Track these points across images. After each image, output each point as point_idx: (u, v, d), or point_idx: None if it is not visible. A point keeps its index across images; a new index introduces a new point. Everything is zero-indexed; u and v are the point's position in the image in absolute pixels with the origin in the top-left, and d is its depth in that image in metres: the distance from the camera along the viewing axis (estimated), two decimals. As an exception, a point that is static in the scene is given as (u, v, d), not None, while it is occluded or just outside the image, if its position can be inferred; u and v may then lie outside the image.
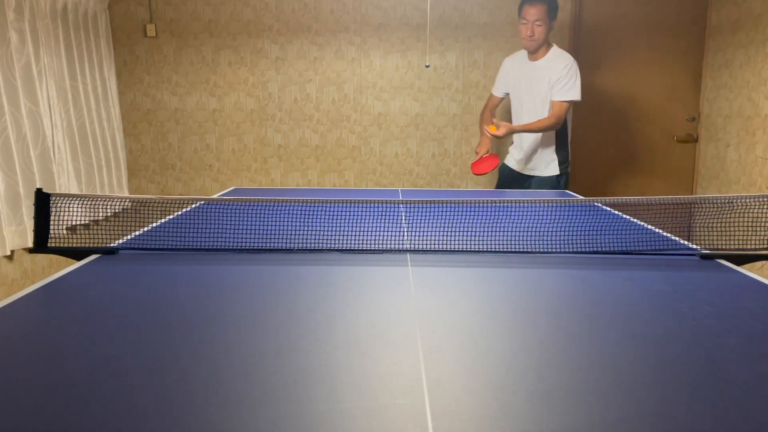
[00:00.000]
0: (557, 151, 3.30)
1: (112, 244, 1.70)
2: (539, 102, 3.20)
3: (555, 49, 3.21)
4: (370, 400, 0.80)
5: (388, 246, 1.66)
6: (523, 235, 1.79)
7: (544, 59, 3.20)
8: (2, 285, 3.12)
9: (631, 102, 4.30)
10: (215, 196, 2.26)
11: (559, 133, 3.27)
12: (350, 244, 1.67)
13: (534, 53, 3.20)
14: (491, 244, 1.68)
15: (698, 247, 1.71)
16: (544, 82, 3.16)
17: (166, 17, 4.23)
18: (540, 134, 3.24)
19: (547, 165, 3.33)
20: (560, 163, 3.32)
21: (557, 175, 3.34)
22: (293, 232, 1.83)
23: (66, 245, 1.63)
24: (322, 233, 1.82)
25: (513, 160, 3.46)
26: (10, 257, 3.18)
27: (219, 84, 4.31)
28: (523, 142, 3.35)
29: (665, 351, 0.96)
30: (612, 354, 0.95)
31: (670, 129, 4.34)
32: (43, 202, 1.56)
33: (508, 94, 3.42)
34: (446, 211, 2.16)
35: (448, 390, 0.83)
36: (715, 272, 1.44)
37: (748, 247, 1.62)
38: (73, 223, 3.39)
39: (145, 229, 1.91)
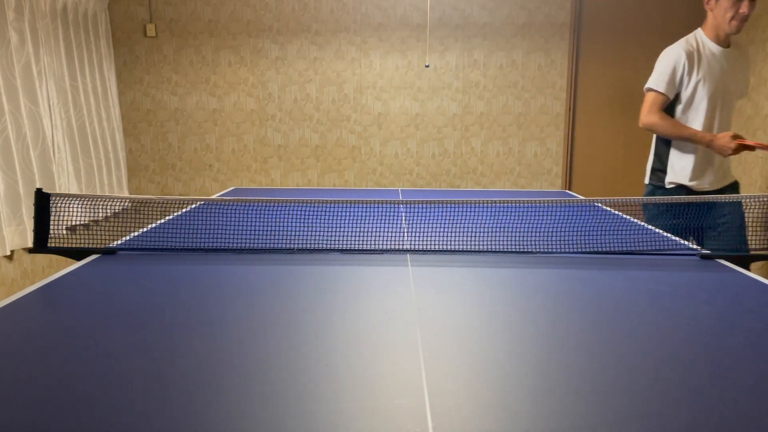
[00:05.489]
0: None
1: (111, 245, 1.70)
2: (736, 97, 2.42)
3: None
4: (370, 400, 0.80)
5: (389, 246, 1.66)
6: (523, 235, 1.79)
7: (736, 44, 2.39)
8: (2, 285, 3.12)
9: (631, 102, 4.29)
10: (215, 197, 2.26)
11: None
12: (350, 244, 1.67)
13: (728, 39, 2.35)
14: (491, 244, 1.68)
15: (698, 247, 1.71)
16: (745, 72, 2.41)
17: (166, 17, 4.23)
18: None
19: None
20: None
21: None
22: (293, 233, 1.83)
23: (66, 245, 1.63)
24: (322, 233, 1.82)
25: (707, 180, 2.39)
26: (10, 257, 3.18)
27: (219, 84, 4.31)
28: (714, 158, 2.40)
29: (665, 351, 0.96)
30: (612, 354, 0.95)
31: (670, 129, 4.33)
32: (43, 202, 1.56)
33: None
34: (446, 211, 2.16)
35: (448, 390, 0.83)
36: (715, 272, 1.44)
37: (748, 247, 1.62)
38: (73, 223, 3.39)
39: (145, 229, 1.91)
